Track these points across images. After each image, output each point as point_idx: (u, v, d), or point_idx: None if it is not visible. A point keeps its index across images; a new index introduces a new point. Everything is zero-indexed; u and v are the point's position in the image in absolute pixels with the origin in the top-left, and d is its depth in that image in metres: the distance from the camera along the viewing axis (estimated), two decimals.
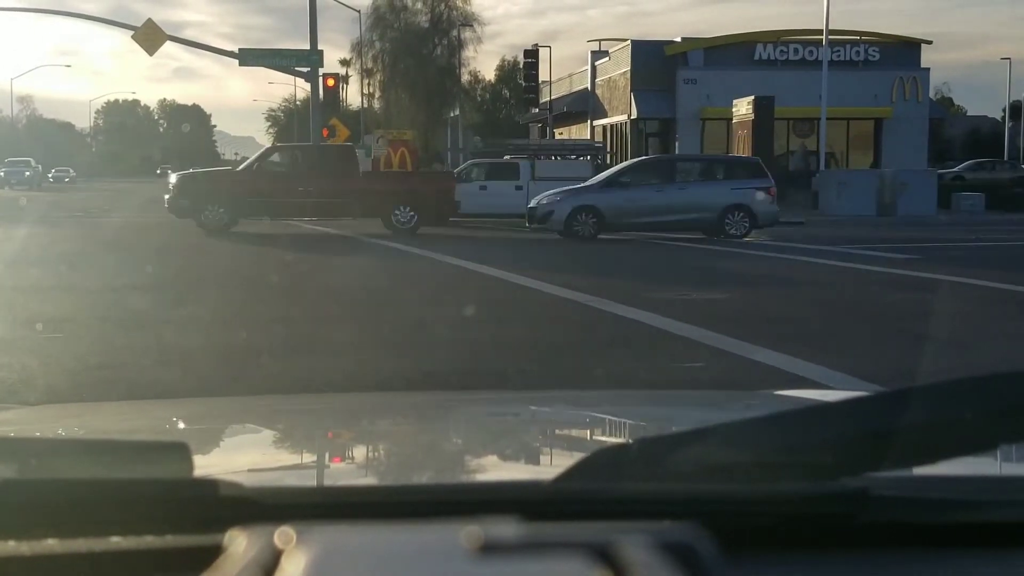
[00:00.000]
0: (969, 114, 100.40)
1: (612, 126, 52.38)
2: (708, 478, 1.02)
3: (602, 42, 55.94)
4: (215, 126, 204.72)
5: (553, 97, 58.58)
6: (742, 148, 38.82)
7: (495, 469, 1.67)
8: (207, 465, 1.44)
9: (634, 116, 48.63)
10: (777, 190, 37.23)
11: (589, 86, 54.90)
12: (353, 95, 62.19)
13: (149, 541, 0.96)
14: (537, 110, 45.23)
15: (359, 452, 1.84)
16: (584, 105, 54.57)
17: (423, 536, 0.78)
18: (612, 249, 20.49)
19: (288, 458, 1.84)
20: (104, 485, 0.98)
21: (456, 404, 2.53)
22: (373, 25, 50.88)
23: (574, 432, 2.12)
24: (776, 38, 48.12)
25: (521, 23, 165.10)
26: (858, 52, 47.62)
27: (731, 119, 40.41)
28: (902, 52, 48.57)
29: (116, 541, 0.95)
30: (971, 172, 49.01)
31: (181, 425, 2.07)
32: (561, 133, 59.86)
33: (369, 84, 54.41)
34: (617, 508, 0.97)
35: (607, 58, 53.16)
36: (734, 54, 47.15)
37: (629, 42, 50.11)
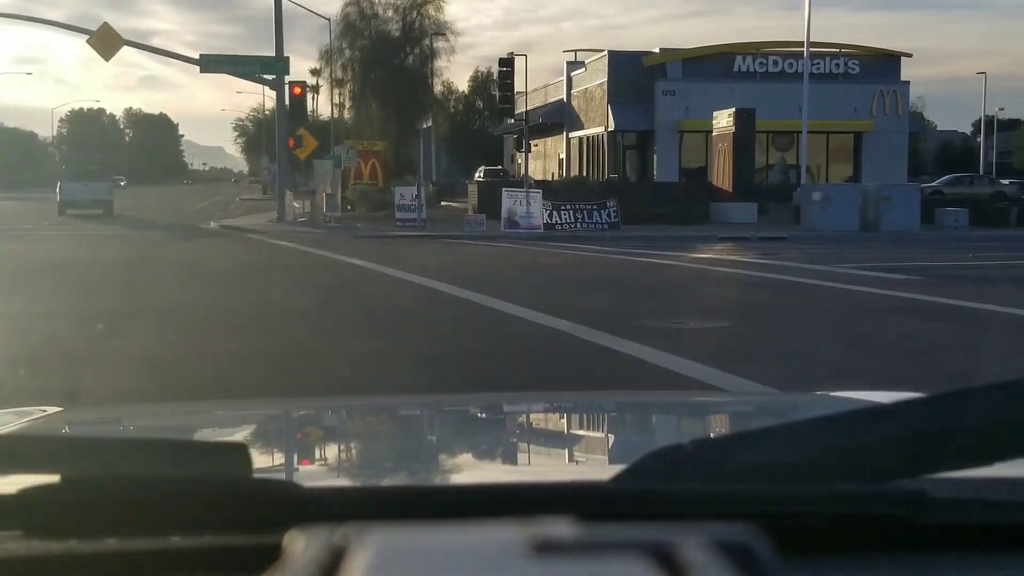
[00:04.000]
0: (939, 129, 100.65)
1: (588, 138, 51.46)
2: (764, 479, 1.01)
3: (578, 53, 55.12)
4: (183, 135, 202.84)
5: (528, 108, 57.61)
6: (722, 161, 38.01)
7: (549, 469, 1.67)
8: (266, 466, 1.46)
9: (611, 128, 47.75)
10: (759, 205, 36.83)
11: (565, 97, 54.01)
12: (325, 105, 60.97)
13: (208, 541, 0.96)
14: (512, 121, 44.23)
15: (414, 453, 1.84)
16: (560, 116, 53.66)
17: (480, 536, 0.78)
18: None
19: (344, 459, 1.83)
20: (165, 485, 0.99)
21: (503, 405, 2.53)
22: (343, 33, 49.77)
23: (626, 433, 2.12)
24: (756, 50, 47.38)
25: (494, 35, 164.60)
26: (838, 65, 46.97)
27: (710, 132, 39.60)
28: (882, 65, 47.96)
29: (176, 541, 0.96)
30: (950, 187, 48.36)
31: (238, 426, 2.16)
32: (536, 145, 58.98)
33: (340, 94, 53.31)
34: (673, 509, 0.97)
35: (583, 69, 52.27)
36: (713, 66, 46.37)
37: (606, 53, 49.25)
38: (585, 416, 2.28)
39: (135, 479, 1.00)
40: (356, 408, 2.55)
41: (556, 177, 49.95)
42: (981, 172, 62.18)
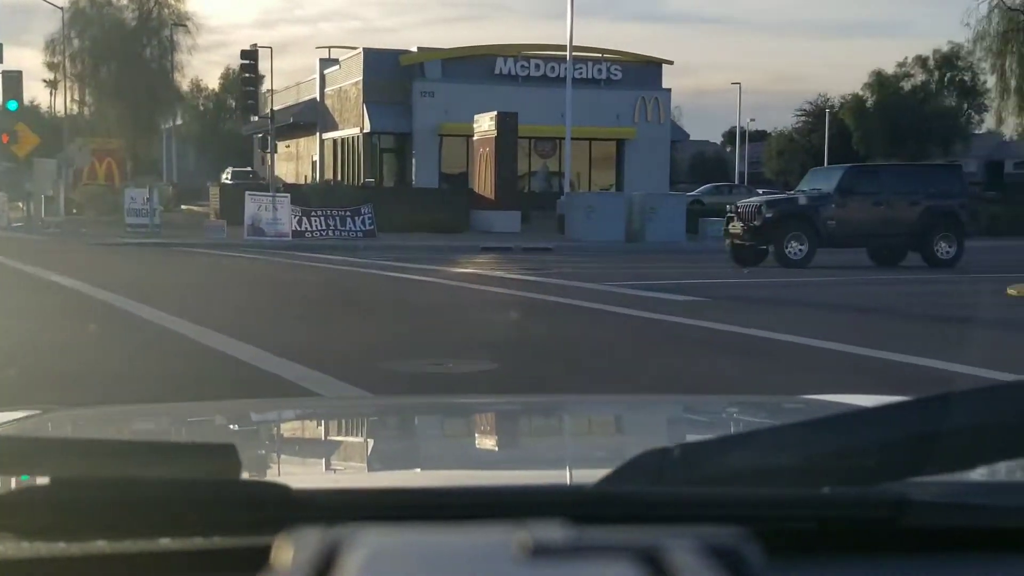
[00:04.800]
0: (692, 139, 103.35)
1: (343, 140, 48.77)
2: (750, 482, 1.02)
3: (332, 50, 52.34)
4: None
5: (280, 106, 54.58)
6: (484, 167, 36.26)
7: (538, 472, 1.67)
8: (256, 466, 1.43)
9: (367, 129, 45.27)
10: (522, 214, 35.31)
11: (318, 96, 51.13)
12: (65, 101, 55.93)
13: (199, 543, 0.96)
14: (257, 119, 41.19)
15: (405, 454, 1.85)
16: (313, 116, 50.82)
17: (472, 538, 0.79)
18: None
19: (335, 460, 1.81)
20: (154, 486, 0.99)
21: (493, 407, 2.55)
22: (72, 21, 45.39)
23: (614, 436, 2.15)
24: (517, 52, 45.94)
25: (250, 33, 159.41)
26: (601, 70, 46.07)
27: (471, 135, 37.76)
28: (644, 72, 47.41)
29: (166, 542, 0.96)
30: (709, 196, 48.16)
31: (228, 426, 2.12)
32: (288, 146, 55.91)
33: (75, 88, 48.77)
34: (661, 512, 0.98)
35: (337, 66, 49.56)
36: (474, 67, 44.61)
37: (361, 50, 46.75)
38: (575, 419, 2.31)
39: (124, 480, 0.99)
40: (347, 409, 2.62)
41: (310, 180, 47.08)
42: (736, 181, 63.00)
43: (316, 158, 51.69)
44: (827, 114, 72.31)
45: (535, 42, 48.78)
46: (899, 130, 60.65)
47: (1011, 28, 43.31)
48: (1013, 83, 43.66)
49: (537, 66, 45.35)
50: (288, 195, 31.60)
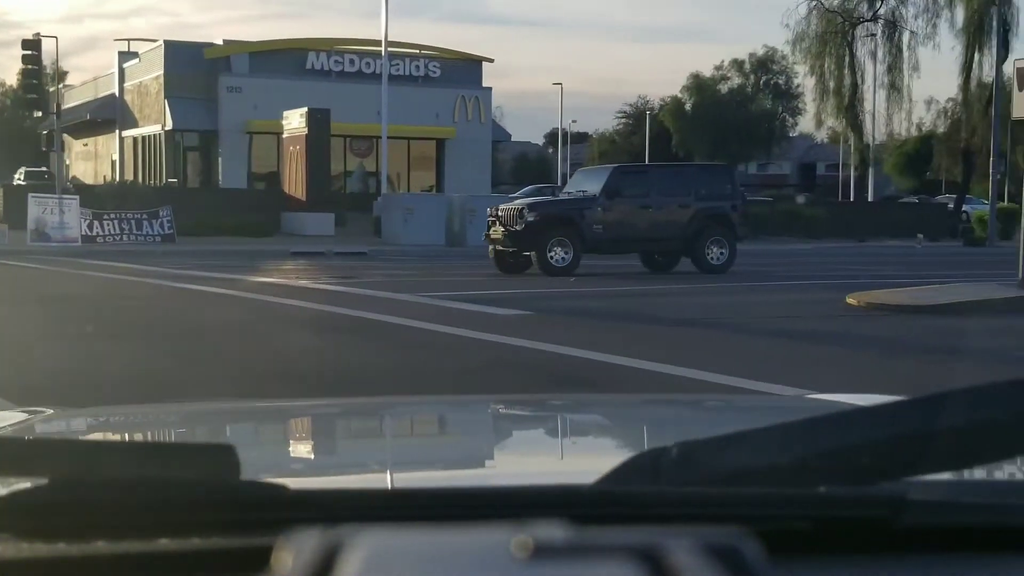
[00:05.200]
0: (514, 140, 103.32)
1: (144, 137, 45.78)
2: (747, 481, 1.02)
3: (132, 42, 49.18)
4: None
5: (78, 103, 51.11)
6: (295, 167, 34.25)
7: (536, 472, 1.67)
8: (256, 467, 1.45)
9: (169, 126, 42.49)
10: (337, 216, 33.42)
11: (117, 91, 47.92)
12: None
13: (198, 544, 0.96)
14: (42, 115, 38.10)
15: (404, 455, 1.84)
16: (112, 112, 47.60)
17: (472, 539, 0.79)
18: None
19: (334, 460, 1.82)
20: (152, 487, 0.99)
21: (491, 407, 2.54)
22: None
23: (611, 436, 2.13)
24: (330, 46, 43.92)
25: (55, 28, 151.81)
26: (418, 67, 44.46)
27: (282, 133, 35.64)
28: (464, 70, 46.03)
29: (164, 543, 0.96)
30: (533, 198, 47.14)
31: (228, 427, 2.13)
32: (86, 144, 52.47)
33: None
34: (659, 511, 0.98)
35: (137, 60, 46.52)
36: (284, 61, 42.39)
37: (161, 42, 43.91)
38: (573, 419, 2.29)
39: (123, 481, 0.99)
40: (346, 409, 2.58)
41: (110, 180, 43.94)
42: (558, 183, 62.30)
43: (116, 157, 48.46)
44: (647, 116, 72.68)
45: (349, 36, 46.64)
46: (718, 132, 61.08)
47: (830, 30, 43.48)
48: (832, 84, 43.82)
49: (352, 61, 43.44)
50: (77, 197, 29.07)
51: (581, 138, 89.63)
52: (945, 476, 1.10)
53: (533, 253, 20.09)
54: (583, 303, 15.19)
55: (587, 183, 21.67)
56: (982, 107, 41.38)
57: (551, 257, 20.03)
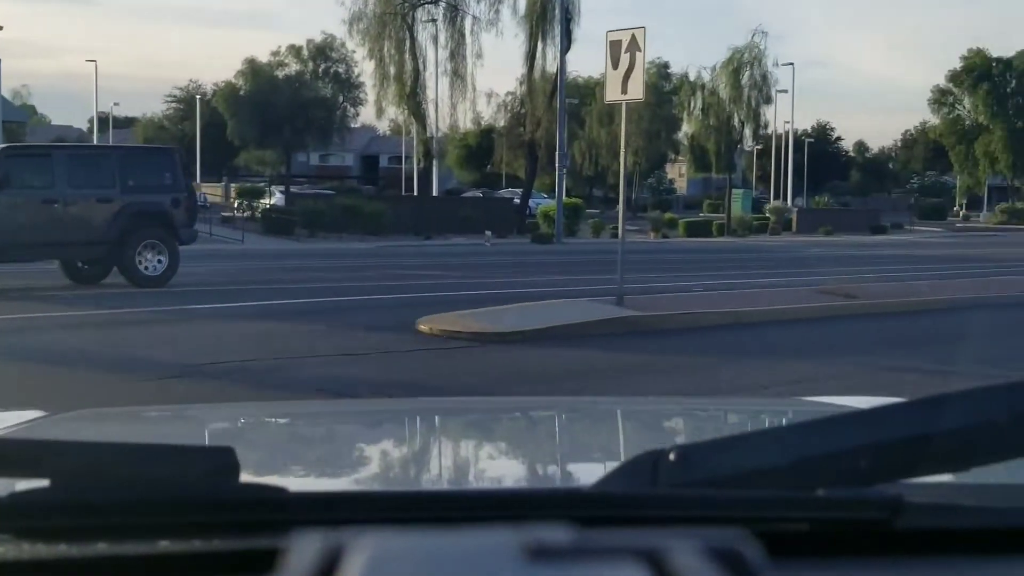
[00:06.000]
0: (55, 123, 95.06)
1: None
2: (744, 484, 1.03)
3: None
4: None
5: None
6: None
7: (537, 474, 1.69)
8: (253, 469, 1.44)
9: None
10: None
11: None
12: None
13: (197, 545, 0.96)
14: None
15: (406, 457, 1.84)
16: None
17: (475, 541, 0.80)
18: None
19: (333, 463, 1.79)
20: (152, 488, 0.99)
21: (492, 410, 2.53)
22: None
23: (612, 438, 2.13)
24: None
25: None
26: None
27: None
28: None
29: (164, 545, 0.96)
30: None
31: (228, 429, 2.11)
32: None
33: None
34: (658, 513, 0.99)
35: None
36: None
37: None
38: (573, 421, 2.28)
39: (124, 483, 0.99)
40: (348, 412, 2.57)
41: None
42: None
43: None
44: (198, 101, 67.44)
45: None
46: (273, 119, 57.04)
47: (389, 11, 40.38)
48: (392, 70, 40.92)
49: None
50: None
51: (129, 123, 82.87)
52: (942, 479, 1.09)
53: None
54: None
55: None
56: (546, 99, 40.15)
57: None
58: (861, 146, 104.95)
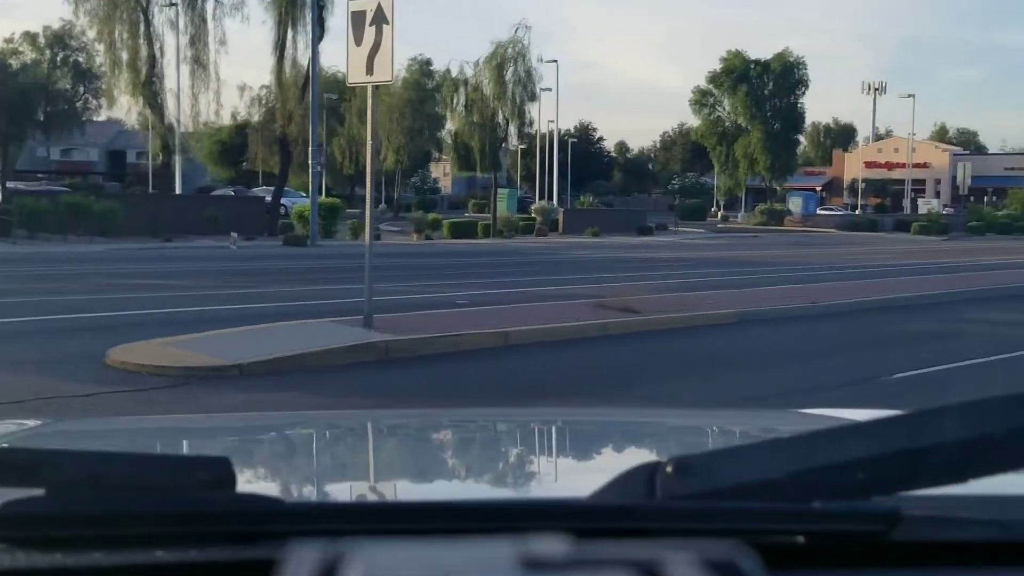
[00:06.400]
0: None
1: None
2: (742, 496, 1.02)
3: None
4: None
5: None
6: None
7: (534, 485, 1.69)
8: (250, 480, 1.41)
9: None
10: None
11: None
12: None
13: (193, 556, 0.96)
14: None
15: (403, 468, 1.83)
16: None
17: (471, 552, 0.80)
18: None
19: (330, 473, 1.80)
20: (149, 498, 0.99)
21: (489, 421, 2.53)
22: None
23: (609, 449, 2.12)
24: None
25: None
26: None
27: None
28: None
29: (160, 555, 0.96)
30: None
31: (225, 439, 2.12)
32: None
33: None
34: (655, 525, 0.98)
35: None
36: None
37: None
38: (571, 432, 2.26)
39: (120, 492, 0.99)
40: (342, 422, 2.53)
41: None
42: None
43: None
44: None
45: None
46: (10, 113, 51.90)
47: None
48: (125, 56, 37.16)
49: None
50: None
51: None
52: (939, 491, 1.08)
53: None
54: None
55: None
56: (298, 91, 37.39)
57: None
58: (623, 147, 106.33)
